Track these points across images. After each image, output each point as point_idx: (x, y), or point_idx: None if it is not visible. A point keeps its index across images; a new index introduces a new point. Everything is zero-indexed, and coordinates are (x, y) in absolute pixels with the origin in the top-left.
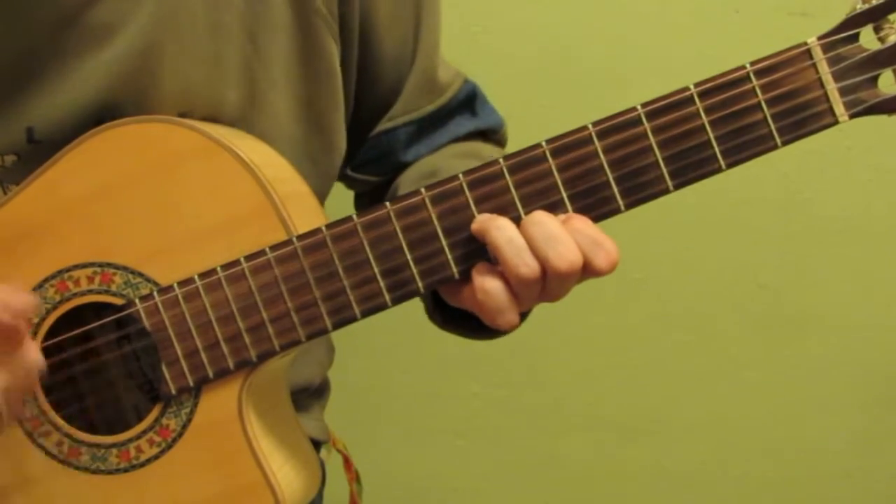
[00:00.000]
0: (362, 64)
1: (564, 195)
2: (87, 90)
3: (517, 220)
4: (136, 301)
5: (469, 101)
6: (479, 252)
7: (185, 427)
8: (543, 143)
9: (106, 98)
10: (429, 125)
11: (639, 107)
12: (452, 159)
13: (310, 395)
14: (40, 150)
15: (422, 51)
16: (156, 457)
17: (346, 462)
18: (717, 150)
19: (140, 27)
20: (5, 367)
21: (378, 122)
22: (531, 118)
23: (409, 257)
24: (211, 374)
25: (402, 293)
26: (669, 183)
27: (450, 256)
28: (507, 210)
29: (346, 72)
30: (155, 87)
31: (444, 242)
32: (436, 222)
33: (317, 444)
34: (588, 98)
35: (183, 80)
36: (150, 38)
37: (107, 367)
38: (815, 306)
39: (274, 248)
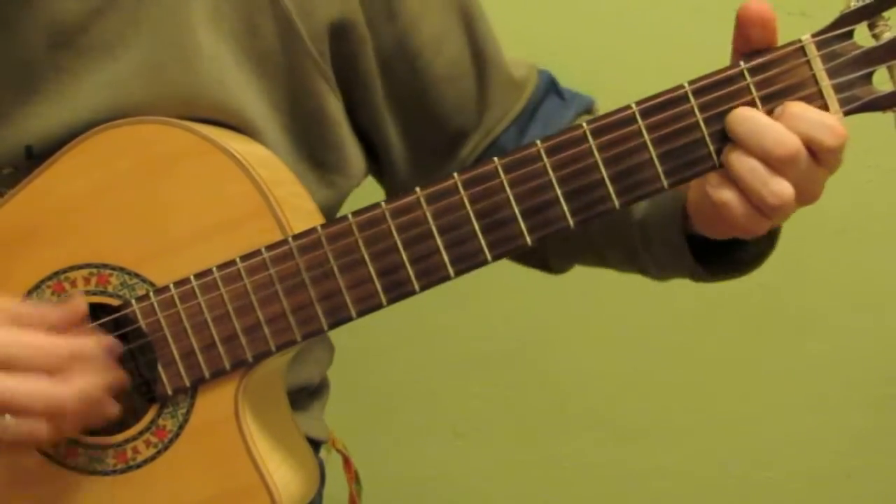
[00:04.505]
0: (412, 92)
1: (559, 192)
2: (85, 110)
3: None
4: (133, 302)
5: (552, 86)
6: (474, 252)
7: (181, 428)
8: (538, 142)
9: (105, 119)
10: (526, 121)
11: (633, 105)
12: None
13: (309, 395)
14: (39, 165)
15: (489, 60)
16: (152, 458)
17: (346, 462)
18: (711, 148)
19: (140, 50)
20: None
21: (464, 138)
22: None
23: (404, 256)
24: (207, 375)
25: (397, 293)
26: (664, 181)
27: (445, 256)
28: (500, 209)
29: (368, 108)
30: (154, 109)
31: (439, 241)
32: (431, 221)
33: (316, 444)
34: None
35: (182, 103)
36: (150, 61)
37: None
38: (815, 306)
39: (269, 247)
